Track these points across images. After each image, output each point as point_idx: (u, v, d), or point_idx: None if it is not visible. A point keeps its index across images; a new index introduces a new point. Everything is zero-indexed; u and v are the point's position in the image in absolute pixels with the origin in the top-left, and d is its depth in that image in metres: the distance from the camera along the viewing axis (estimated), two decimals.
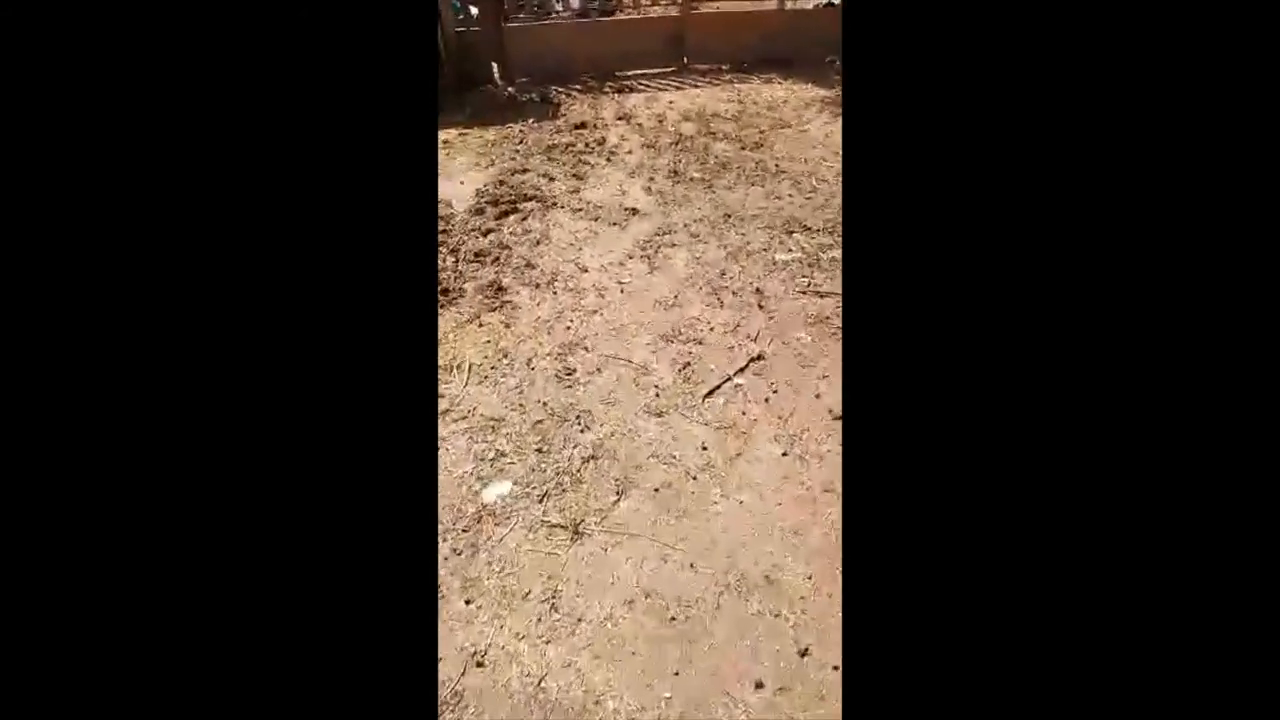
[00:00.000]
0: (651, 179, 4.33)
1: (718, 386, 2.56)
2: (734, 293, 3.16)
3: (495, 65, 6.40)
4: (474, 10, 6.30)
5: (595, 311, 3.06)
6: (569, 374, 2.67)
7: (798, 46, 6.70)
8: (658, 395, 2.55)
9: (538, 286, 3.24)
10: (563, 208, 4.00)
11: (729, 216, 3.86)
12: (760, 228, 3.74)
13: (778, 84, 6.29)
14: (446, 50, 5.92)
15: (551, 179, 4.37)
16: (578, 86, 6.24)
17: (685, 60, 6.68)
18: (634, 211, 3.93)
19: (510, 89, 6.26)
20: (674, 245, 3.58)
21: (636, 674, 1.63)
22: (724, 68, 6.67)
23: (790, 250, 3.48)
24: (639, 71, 6.55)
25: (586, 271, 3.37)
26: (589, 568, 1.90)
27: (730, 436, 2.32)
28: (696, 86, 6.22)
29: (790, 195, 4.10)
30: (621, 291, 3.20)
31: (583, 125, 5.29)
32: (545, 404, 2.51)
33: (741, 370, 2.65)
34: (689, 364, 2.69)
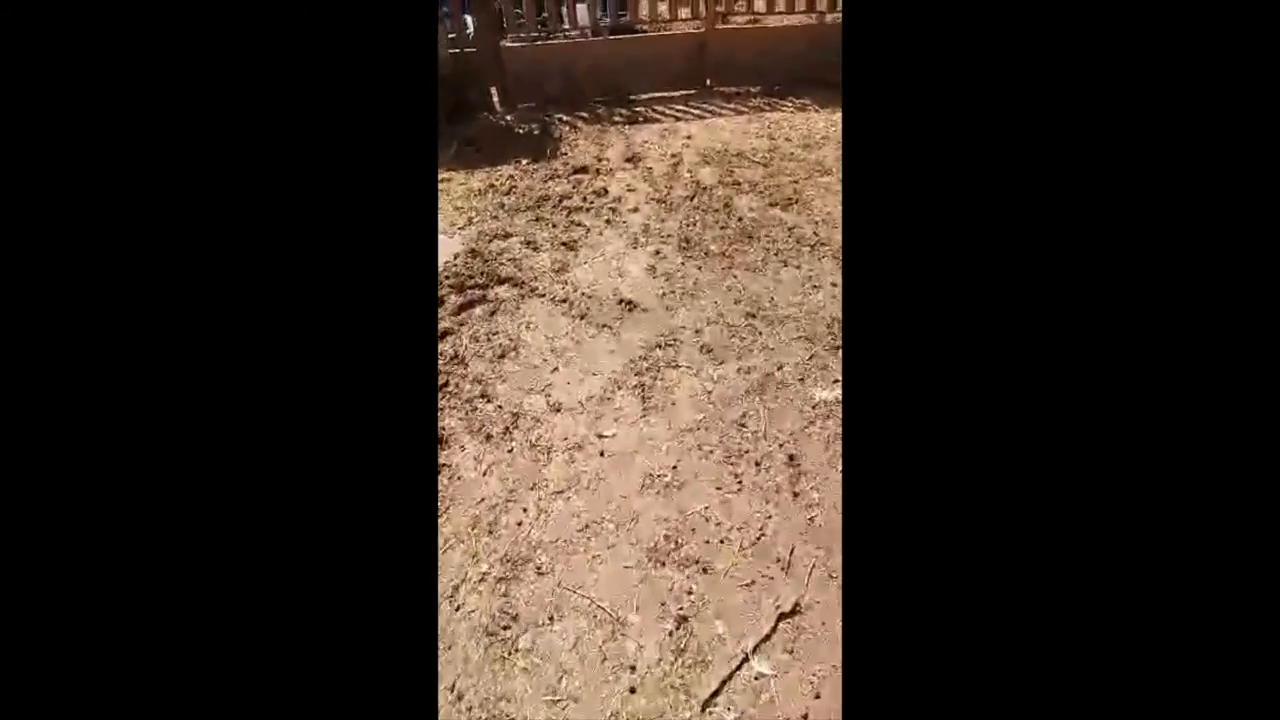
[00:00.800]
0: (658, 251, 3.30)
1: (728, 679, 1.54)
2: (757, 462, 2.13)
3: (494, 90, 5.47)
4: (470, 24, 5.35)
5: (562, 491, 2.06)
6: (505, 628, 1.68)
7: (837, 66, 5.60)
8: (633, 689, 1.55)
9: (489, 437, 2.25)
10: (543, 296, 3.00)
11: (753, 316, 2.82)
12: (795, 337, 2.70)
13: (814, 112, 5.15)
14: (438, 74, 5.00)
15: (536, 248, 3.37)
16: (584, 114, 5.20)
17: (707, 81, 5.63)
18: (631, 306, 2.90)
19: (509, 117, 5.31)
20: (678, 366, 2.55)
21: None
22: (752, 90, 5.60)
23: (835, 382, 2.44)
24: (654, 95, 5.48)
25: (558, 411, 2.36)
26: None
27: None
28: (720, 114, 5.13)
29: (833, 283, 3.02)
30: (602, 454, 2.18)
31: (583, 169, 4.25)
32: (461, 698, 1.55)
33: (766, 638, 1.63)
34: (685, 620, 1.69)
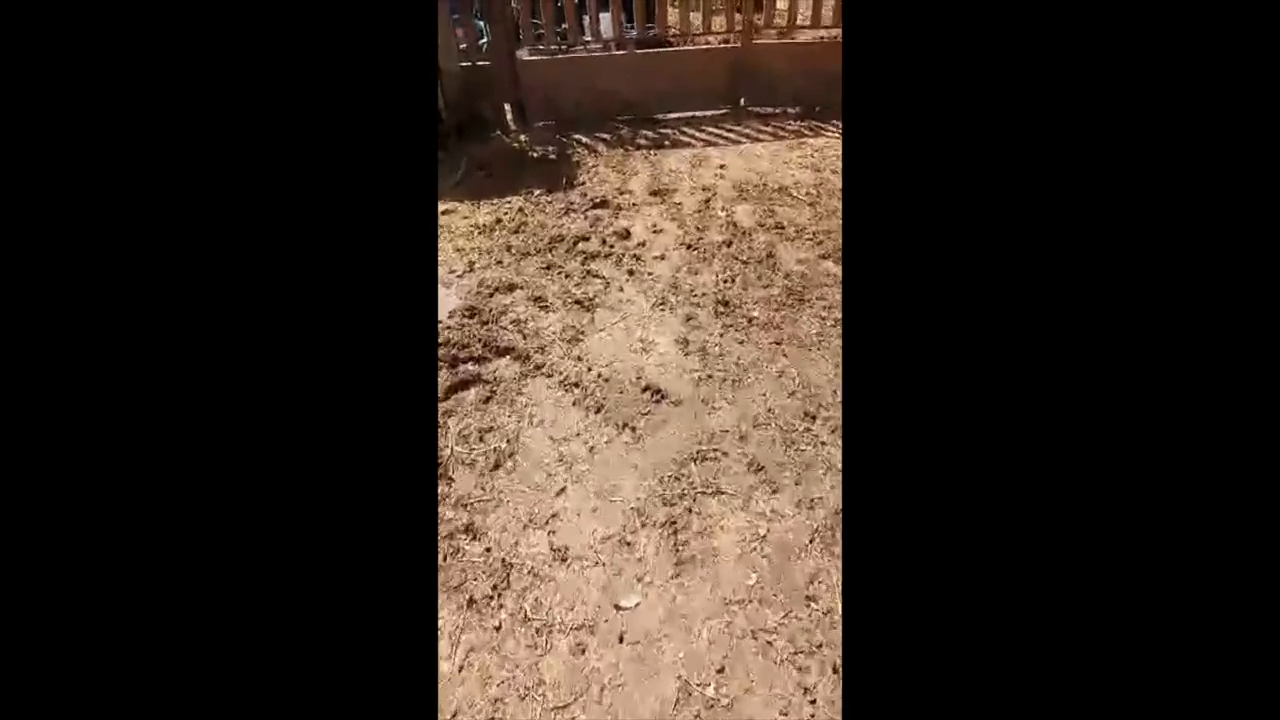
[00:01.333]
0: (690, 317, 2.65)
1: None
2: (835, 666, 1.48)
3: (508, 107, 4.87)
4: (484, 31, 4.75)
5: (565, 707, 1.42)
6: None
7: None
8: None
9: (471, 601, 1.63)
10: (550, 375, 2.37)
11: (811, 418, 2.17)
12: None
13: None
14: (444, 90, 4.40)
15: (545, 306, 2.73)
16: (605, 136, 4.54)
17: (741, 101, 4.97)
18: (659, 396, 2.26)
19: (524, 137, 4.70)
20: (720, 492, 1.90)
21: None
22: (790, 112, 4.94)
23: None
24: (683, 115, 4.81)
25: (564, 561, 1.73)
26: None
27: None
28: (757, 139, 4.45)
29: None
30: (620, 639, 1.55)
31: (603, 203, 3.61)
32: None
33: None
34: None
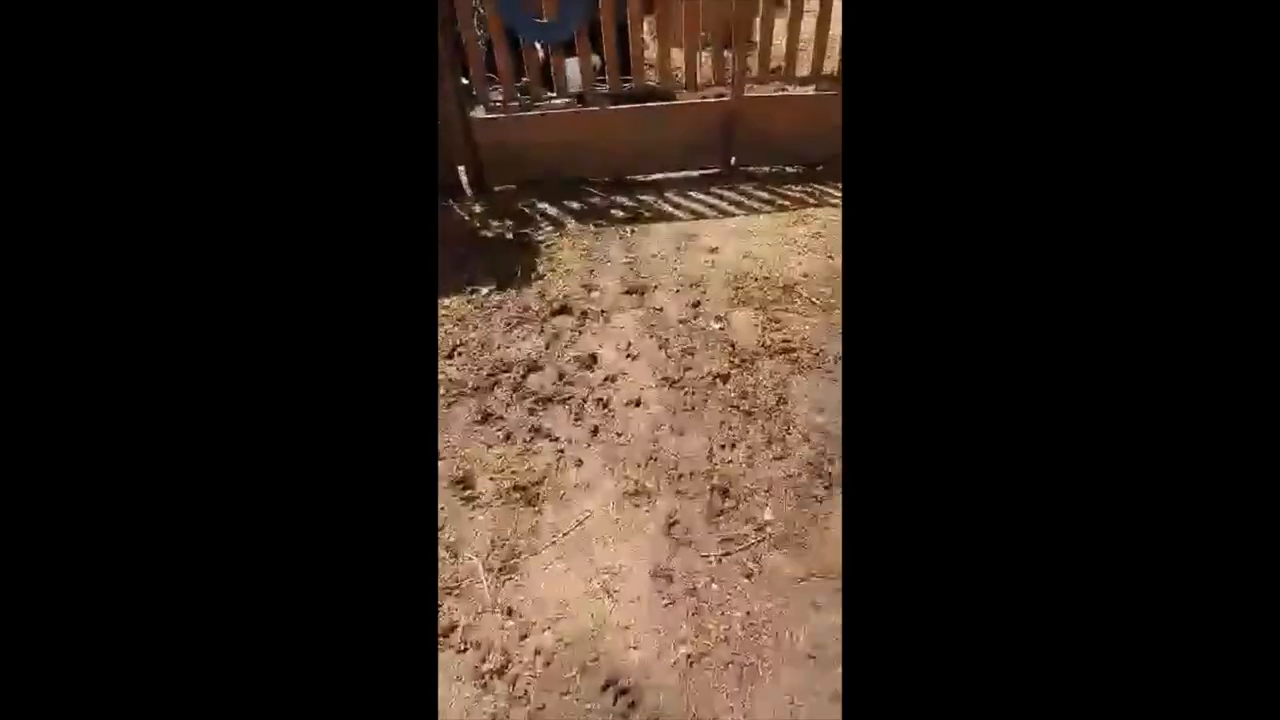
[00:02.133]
0: (674, 521, 1.77)
1: None
2: None
3: (462, 171, 4.02)
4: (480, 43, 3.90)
5: None
6: None
7: None
8: None
9: None
10: (462, 651, 1.46)
11: None
12: None
13: None
14: None
15: (472, 498, 1.84)
16: (575, 205, 3.64)
17: (733, 160, 4.18)
18: (630, 701, 1.36)
19: (479, 207, 3.82)
20: None
21: None
22: (790, 172, 4.13)
23: None
24: (667, 176, 3.93)
25: None
26: None
27: None
28: (753, 209, 3.57)
29: None
30: None
31: (565, 309, 2.71)
32: None
33: None
34: None
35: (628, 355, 2.45)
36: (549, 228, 3.42)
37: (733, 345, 2.49)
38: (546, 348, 2.50)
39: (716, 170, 4.01)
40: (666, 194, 3.73)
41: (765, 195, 3.70)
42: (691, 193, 3.75)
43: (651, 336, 2.54)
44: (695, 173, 4.01)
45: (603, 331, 2.58)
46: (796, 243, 3.21)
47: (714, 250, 3.15)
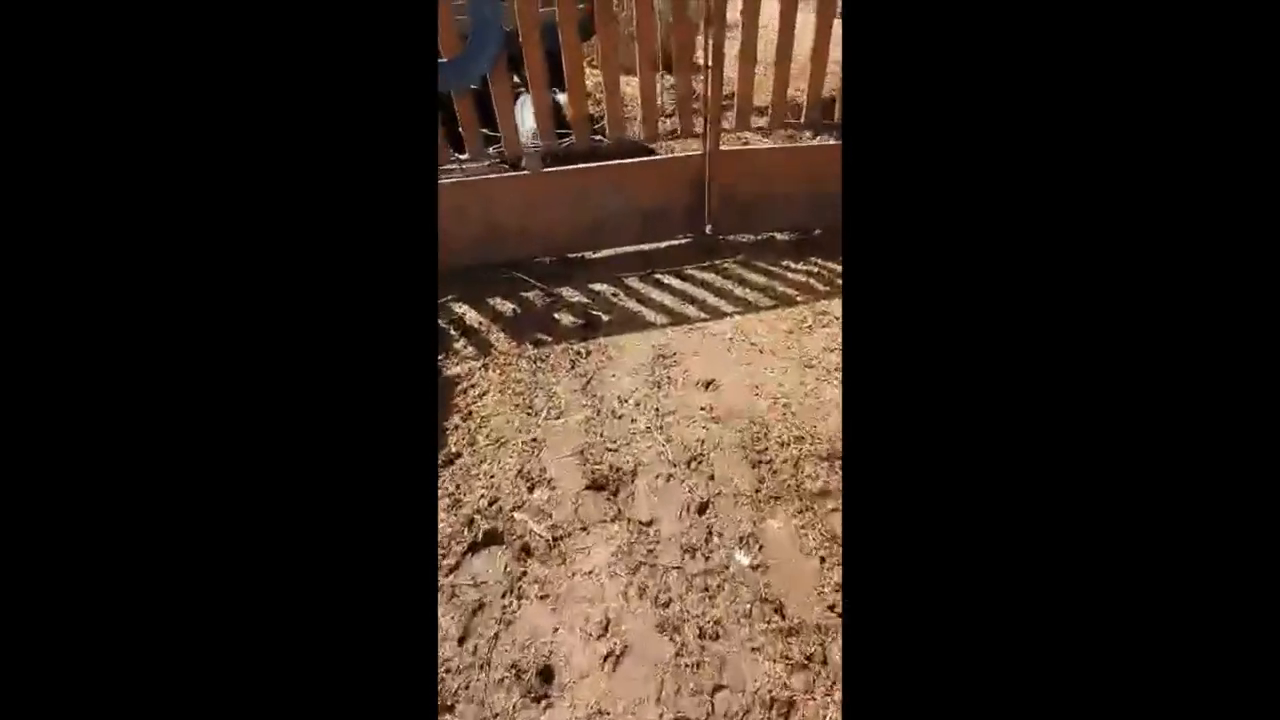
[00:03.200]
0: None
1: None
2: None
3: None
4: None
5: None
6: None
7: None
8: None
9: None
10: None
11: None
12: None
13: None
14: None
15: None
16: (510, 304, 2.47)
17: (709, 228, 3.12)
18: None
19: None
20: None
21: None
22: (781, 239, 3.01)
23: None
24: (632, 250, 2.80)
25: None
26: None
27: None
28: (744, 298, 2.50)
29: None
30: None
31: (492, 539, 1.52)
32: None
33: None
34: None
35: (607, 659, 1.33)
36: (469, 350, 2.26)
37: (780, 609, 1.43)
38: (460, 642, 1.37)
39: (688, 240, 2.95)
40: (628, 281, 2.63)
41: (759, 279, 2.64)
42: (662, 277, 2.67)
43: (642, 597, 1.41)
44: (663, 244, 2.94)
45: (559, 592, 1.44)
46: (819, 362, 2.18)
47: (710, 385, 2.07)
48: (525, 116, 2.75)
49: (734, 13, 2.47)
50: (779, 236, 2.92)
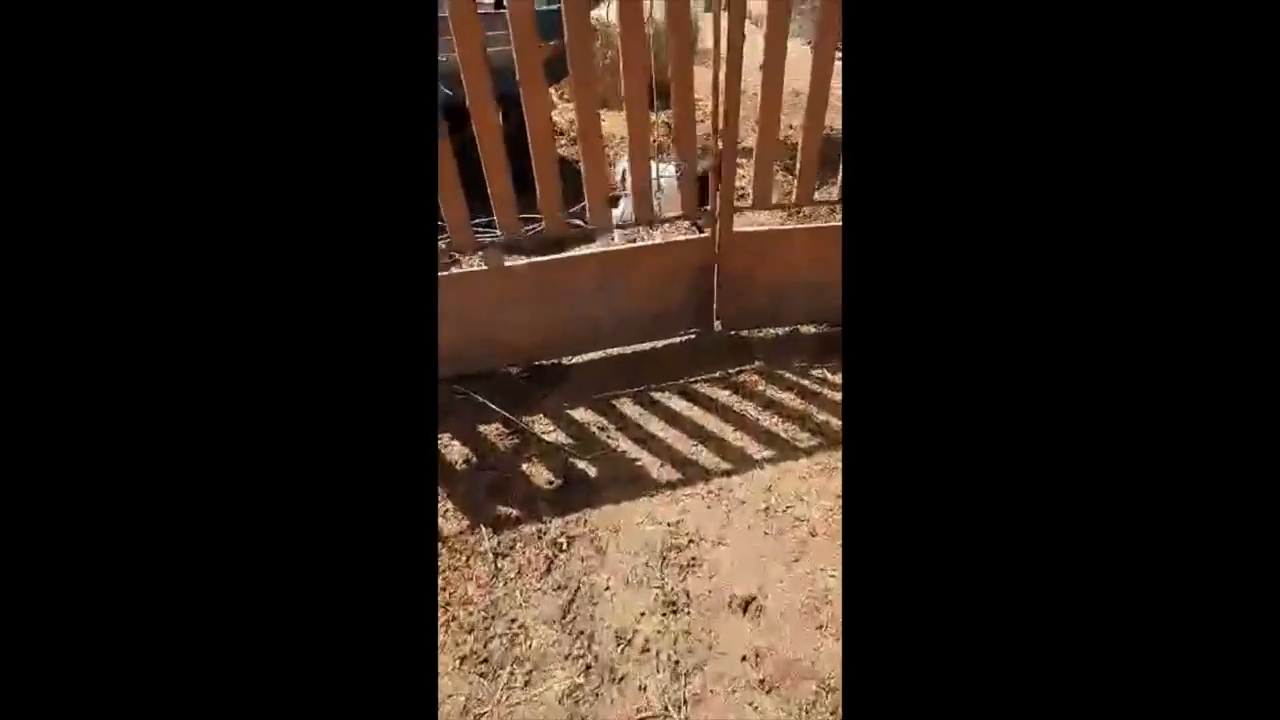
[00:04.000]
0: None
1: None
2: None
3: None
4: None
5: None
6: None
7: None
8: None
9: None
10: None
11: None
12: None
13: None
14: None
15: None
16: (456, 453, 1.74)
17: (718, 324, 2.36)
18: None
19: None
20: None
21: None
22: (807, 332, 2.24)
23: None
24: (624, 352, 2.12)
25: None
26: None
27: None
28: (773, 432, 1.82)
29: None
30: None
31: None
32: None
33: None
34: None
35: None
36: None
37: None
38: None
39: (693, 337, 2.28)
40: (620, 405, 1.93)
41: (790, 400, 1.90)
42: (663, 396, 1.99)
43: None
44: (660, 343, 2.28)
45: None
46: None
47: (749, 606, 1.35)
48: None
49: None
50: (804, 330, 2.27)
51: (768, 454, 1.74)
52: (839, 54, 1.81)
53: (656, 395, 1.96)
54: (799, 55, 2.02)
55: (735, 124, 1.82)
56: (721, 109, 1.78)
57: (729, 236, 2.02)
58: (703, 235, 2.05)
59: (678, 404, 1.93)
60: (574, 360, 2.12)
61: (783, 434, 1.81)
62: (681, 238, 2.07)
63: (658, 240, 2.09)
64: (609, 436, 1.81)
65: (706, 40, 1.90)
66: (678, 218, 2.05)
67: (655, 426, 1.84)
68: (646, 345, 2.18)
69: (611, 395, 1.96)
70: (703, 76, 1.80)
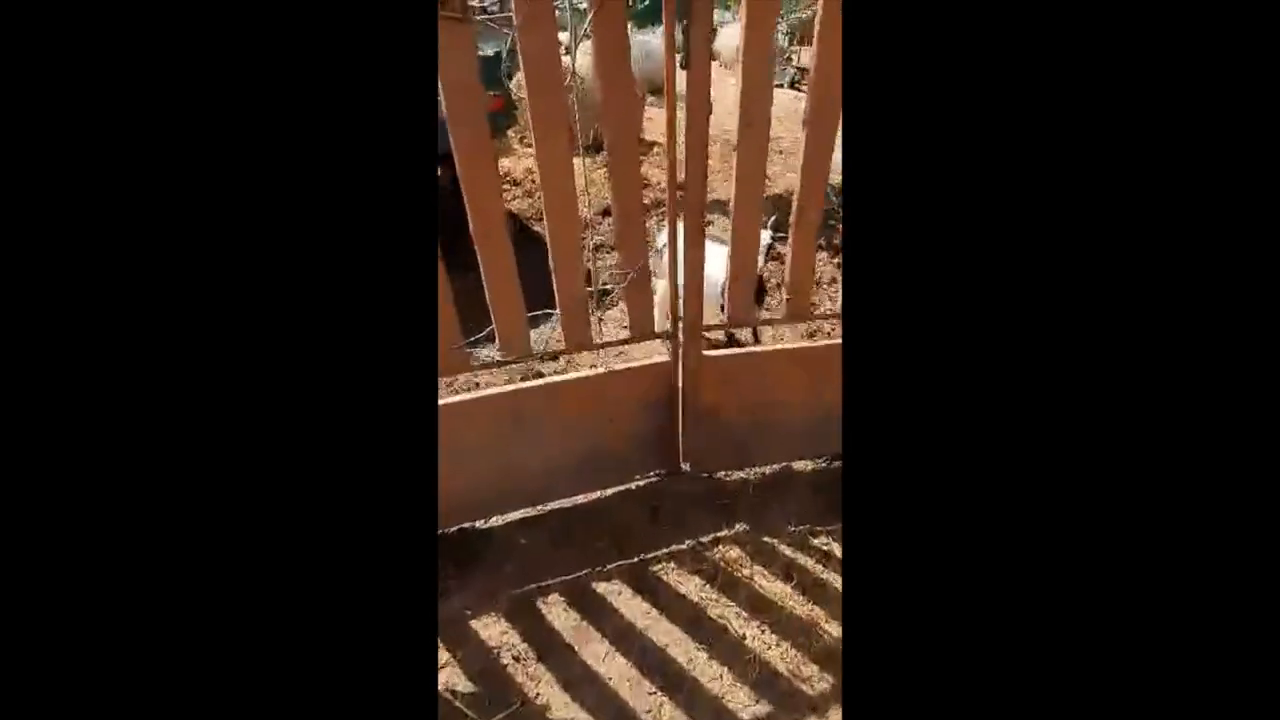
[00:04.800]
0: None
1: None
2: None
3: None
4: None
5: None
6: None
7: None
8: None
9: None
10: None
11: None
12: None
13: None
14: None
15: None
16: None
17: (685, 465, 1.67)
18: None
19: None
20: None
21: None
22: (802, 470, 1.64)
23: None
24: (564, 506, 1.52)
25: None
26: None
27: None
28: (764, 653, 1.24)
29: None
30: None
31: None
32: None
33: None
34: None
35: None
36: None
37: None
38: None
39: (654, 481, 1.69)
40: (544, 602, 1.36)
41: (788, 599, 1.30)
42: (603, 586, 1.38)
43: None
44: (609, 492, 1.69)
45: None
46: None
47: None
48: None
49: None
50: (798, 468, 1.70)
51: (760, 710, 1.14)
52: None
53: (601, 587, 1.36)
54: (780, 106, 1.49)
55: (701, 201, 1.26)
56: (685, 173, 1.22)
57: (697, 362, 1.45)
58: (661, 361, 1.48)
59: (630, 605, 1.32)
60: (495, 523, 1.51)
61: (781, 667, 1.21)
62: (636, 364, 1.49)
63: (617, 367, 1.49)
64: (528, 674, 1.20)
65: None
66: (622, 342, 1.47)
67: (596, 651, 1.23)
68: (593, 496, 1.58)
69: (538, 588, 1.35)
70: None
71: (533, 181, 3.38)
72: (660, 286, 1.56)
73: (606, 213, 3.16)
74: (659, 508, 1.56)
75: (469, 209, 1.13)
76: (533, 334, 1.34)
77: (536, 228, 3.05)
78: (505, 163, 3.74)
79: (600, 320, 1.48)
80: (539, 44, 1.02)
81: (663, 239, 1.65)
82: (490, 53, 2.87)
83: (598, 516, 1.54)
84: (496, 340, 1.29)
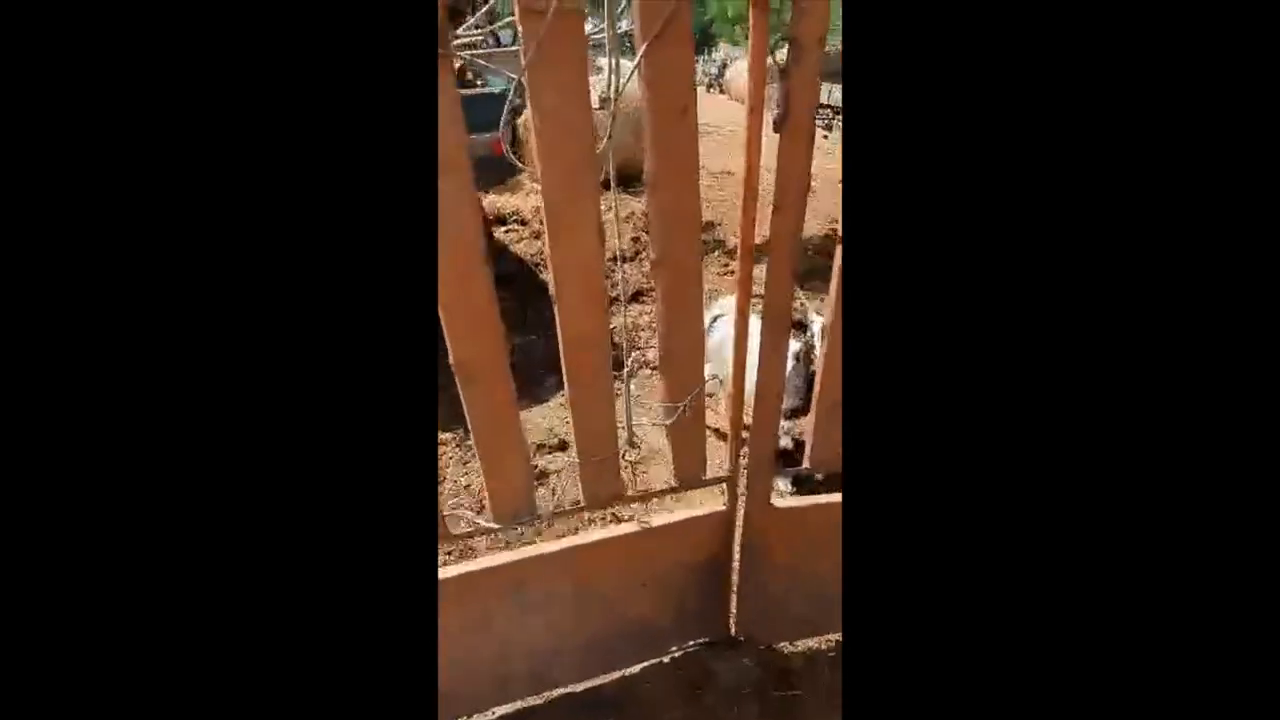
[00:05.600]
0: None
1: None
2: None
3: None
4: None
5: None
6: None
7: None
8: None
9: None
10: None
11: None
12: None
13: None
14: None
15: None
16: None
17: (734, 629, 1.25)
18: None
19: None
20: None
21: None
22: None
23: None
24: (582, 690, 1.06)
25: None
26: None
27: None
28: None
29: None
30: None
31: None
32: None
33: None
34: None
35: None
36: None
37: None
38: None
39: (693, 649, 1.27)
40: None
41: None
42: None
43: None
44: (637, 669, 1.25)
45: None
46: None
47: None
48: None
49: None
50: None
51: None
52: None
53: None
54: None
55: (789, 290, 0.86)
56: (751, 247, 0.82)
57: (763, 505, 1.03)
58: (717, 511, 1.06)
59: None
60: (502, 712, 1.07)
61: None
62: (700, 515, 1.06)
63: (665, 520, 1.06)
64: None
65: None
66: (667, 492, 1.04)
67: None
68: (615, 675, 1.14)
69: None
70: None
71: (540, 223, 2.99)
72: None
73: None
74: (702, 689, 1.12)
75: (447, 335, 0.72)
76: (539, 492, 0.92)
77: (544, 275, 2.64)
78: (513, 200, 3.35)
79: (633, 467, 1.06)
80: (555, 92, 0.63)
81: (712, 312, 1.24)
82: (496, 90, 2.52)
83: (618, 703, 1.10)
84: (487, 506, 0.87)
